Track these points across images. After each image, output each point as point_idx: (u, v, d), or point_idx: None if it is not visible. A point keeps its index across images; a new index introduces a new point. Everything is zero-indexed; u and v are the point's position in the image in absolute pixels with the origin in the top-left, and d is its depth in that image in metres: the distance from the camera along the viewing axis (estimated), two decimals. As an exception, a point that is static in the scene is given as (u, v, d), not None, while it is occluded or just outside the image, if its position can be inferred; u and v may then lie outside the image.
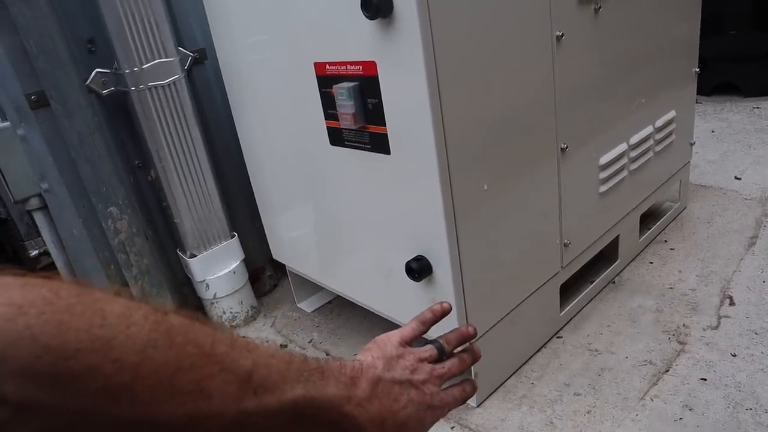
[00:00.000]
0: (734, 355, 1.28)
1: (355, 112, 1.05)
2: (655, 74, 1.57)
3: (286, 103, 1.29)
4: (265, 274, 1.88)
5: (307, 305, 1.76)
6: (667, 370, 1.27)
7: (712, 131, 2.65)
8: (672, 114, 1.69)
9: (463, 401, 0.61)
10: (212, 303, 1.68)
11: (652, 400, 1.19)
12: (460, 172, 1.02)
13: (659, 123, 1.63)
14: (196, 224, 1.59)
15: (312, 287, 1.73)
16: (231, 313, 1.70)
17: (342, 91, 1.05)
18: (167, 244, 1.68)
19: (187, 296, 1.74)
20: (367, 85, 1.03)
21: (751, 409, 1.13)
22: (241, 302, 1.72)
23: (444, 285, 1.09)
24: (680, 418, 1.13)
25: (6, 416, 0.30)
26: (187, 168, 1.53)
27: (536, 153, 1.21)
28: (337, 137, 1.17)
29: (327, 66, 1.11)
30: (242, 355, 0.39)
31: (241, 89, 1.45)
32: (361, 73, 1.03)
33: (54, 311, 0.31)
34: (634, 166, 1.55)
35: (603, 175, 1.43)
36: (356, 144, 1.13)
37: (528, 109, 1.16)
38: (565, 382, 1.28)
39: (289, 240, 1.58)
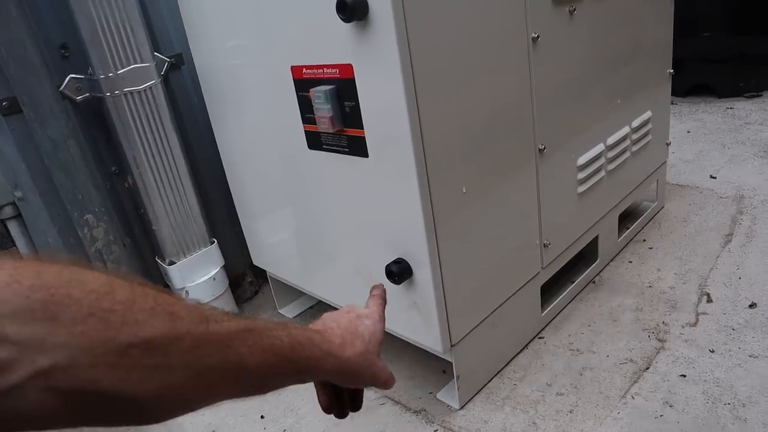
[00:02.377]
0: (712, 351, 1.29)
1: (333, 116, 1.05)
2: (631, 75, 1.59)
3: (263, 107, 1.29)
4: (245, 280, 1.86)
5: (289, 311, 1.75)
6: (648, 368, 1.28)
7: (688, 131, 2.69)
8: (648, 114, 1.71)
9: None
10: (192, 310, 1.65)
11: (633, 397, 1.20)
12: (438, 175, 1.02)
13: (635, 123, 1.65)
14: (174, 231, 1.57)
15: (293, 293, 1.72)
16: (211, 320, 1.68)
17: (319, 94, 1.05)
18: (146, 251, 1.65)
19: (167, 304, 1.72)
20: (344, 88, 1.03)
21: (729, 404, 1.14)
22: (222, 309, 1.69)
23: (424, 287, 1.09)
24: (661, 415, 1.14)
25: (15, 355, 0.32)
26: (165, 174, 1.51)
27: (514, 154, 1.21)
28: (315, 141, 1.17)
29: (303, 69, 1.10)
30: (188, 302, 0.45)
31: (218, 94, 1.44)
32: (338, 76, 1.03)
33: (27, 266, 0.35)
34: (611, 167, 1.57)
35: (581, 175, 1.44)
36: (334, 147, 1.12)
37: (506, 110, 1.16)
38: (548, 382, 1.28)
39: (270, 245, 1.57)
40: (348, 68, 1.00)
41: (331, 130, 1.08)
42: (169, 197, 1.53)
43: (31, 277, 0.34)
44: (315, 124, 1.11)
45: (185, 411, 0.43)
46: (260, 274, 1.87)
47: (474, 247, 1.16)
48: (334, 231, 1.28)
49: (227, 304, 1.72)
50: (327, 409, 0.65)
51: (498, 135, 1.15)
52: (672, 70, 1.82)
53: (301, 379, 0.52)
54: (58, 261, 0.37)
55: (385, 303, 0.70)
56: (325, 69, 1.05)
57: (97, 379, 0.35)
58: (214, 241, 1.67)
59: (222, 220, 1.76)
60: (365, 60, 0.97)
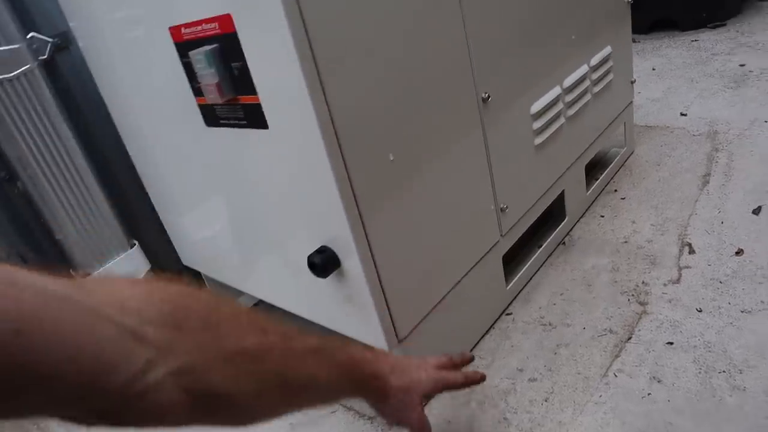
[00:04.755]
0: (700, 311, 1.14)
1: (219, 81, 0.85)
2: (586, 8, 1.40)
3: (155, 83, 1.08)
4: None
5: (232, 311, 1.56)
6: (630, 338, 1.12)
7: (653, 69, 2.52)
8: (608, 50, 1.53)
9: (466, 382, 0.82)
10: (119, 324, 1.46)
11: (615, 375, 1.04)
12: (353, 141, 0.83)
13: (594, 61, 1.47)
14: (83, 238, 1.36)
15: (232, 293, 1.52)
16: (144, 332, 1.49)
17: (199, 57, 0.85)
18: (56, 264, 1.44)
19: (92, 320, 1.52)
20: (227, 45, 0.82)
21: (724, 371, 0.99)
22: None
23: (356, 278, 0.90)
24: (648, 393, 0.99)
25: (154, 356, 0.39)
26: (60, 174, 1.29)
27: (452, 107, 1.02)
28: (211, 116, 0.96)
29: (182, 29, 0.89)
30: None
31: (108, 74, 1.22)
32: (218, 31, 0.82)
33: (157, 282, 0.46)
34: (571, 112, 1.39)
35: (536, 125, 1.25)
36: (232, 121, 0.92)
37: (433, 56, 0.96)
38: (518, 367, 1.12)
39: (195, 243, 1.37)
40: (227, 20, 0.80)
41: (220, 100, 0.87)
42: (70, 199, 1.32)
43: (161, 291, 0.43)
44: (204, 95, 0.90)
45: (272, 415, 0.51)
46: (198, 275, 1.68)
47: (413, 223, 0.98)
48: (254, 220, 1.08)
49: (160, 311, 1.52)
50: None
51: (429, 87, 0.96)
52: (631, 0, 1.64)
53: (354, 393, 0.65)
54: (175, 280, 0.45)
55: (453, 379, 0.80)
56: (204, 25, 0.85)
57: (213, 381, 0.42)
58: (135, 243, 1.47)
59: (144, 218, 1.55)
60: (245, 7, 0.77)
